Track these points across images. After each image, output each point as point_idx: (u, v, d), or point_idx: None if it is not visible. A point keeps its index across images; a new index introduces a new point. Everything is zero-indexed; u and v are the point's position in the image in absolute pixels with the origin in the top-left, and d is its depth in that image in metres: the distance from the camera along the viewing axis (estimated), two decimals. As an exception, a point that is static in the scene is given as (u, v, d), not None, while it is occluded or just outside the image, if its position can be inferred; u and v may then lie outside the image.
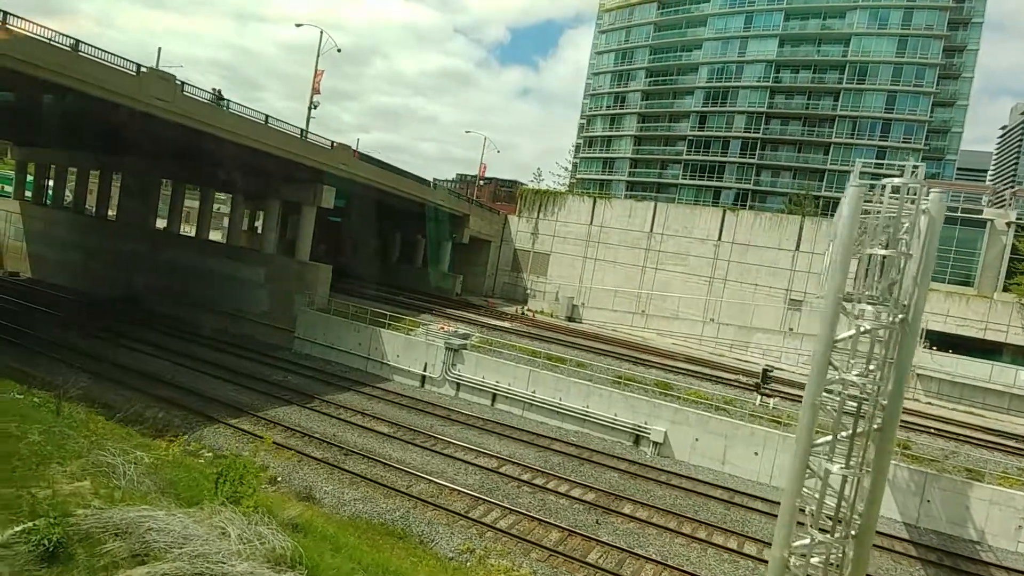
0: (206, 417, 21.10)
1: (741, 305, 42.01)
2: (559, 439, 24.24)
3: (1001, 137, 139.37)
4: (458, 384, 28.46)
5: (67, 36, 20.44)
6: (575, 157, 75.53)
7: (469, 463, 20.31)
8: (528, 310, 44.79)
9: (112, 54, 22.03)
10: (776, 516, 19.55)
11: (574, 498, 18.74)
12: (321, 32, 36.48)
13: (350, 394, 26.50)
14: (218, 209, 64.91)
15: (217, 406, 22.36)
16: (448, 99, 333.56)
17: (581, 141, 73.25)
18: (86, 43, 21.12)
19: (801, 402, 26.07)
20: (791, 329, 39.96)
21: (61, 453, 8.93)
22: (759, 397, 25.97)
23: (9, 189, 50.02)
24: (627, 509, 18.46)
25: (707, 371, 31.06)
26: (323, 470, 18.23)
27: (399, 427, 22.91)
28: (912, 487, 20.65)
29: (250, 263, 35.73)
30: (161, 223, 44.93)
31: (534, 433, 24.47)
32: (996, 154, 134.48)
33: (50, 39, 20.08)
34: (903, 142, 55.33)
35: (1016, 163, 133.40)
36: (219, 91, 27.86)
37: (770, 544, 17.30)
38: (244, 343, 32.92)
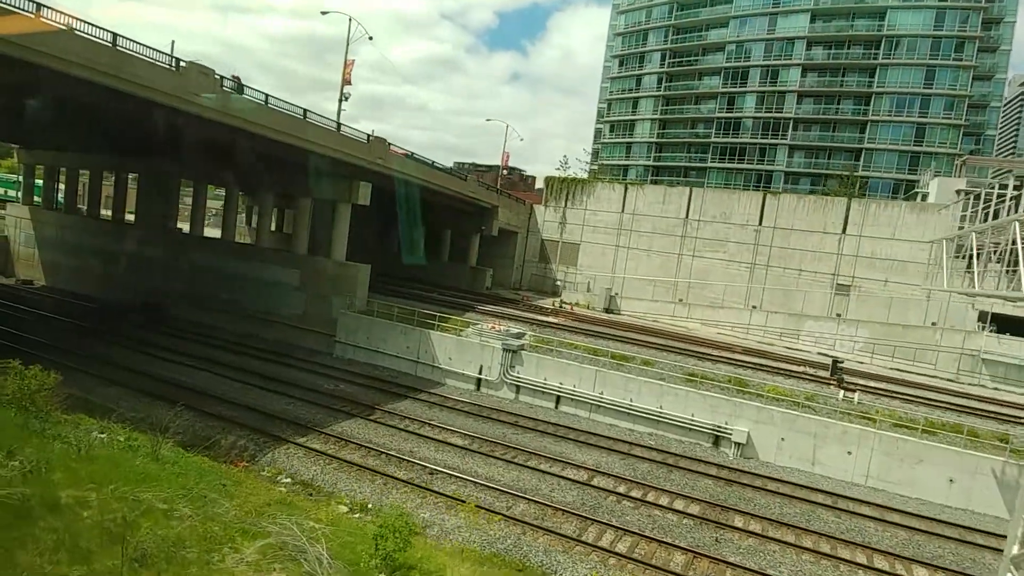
0: (272, 437, 19.70)
1: (785, 291, 40.83)
2: (636, 443, 23.06)
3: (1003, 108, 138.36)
4: (517, 386, 27.18)
5: (94, 25, 18.70)
6: (596, 143, 73.74)
7: (559, 476, 19.06)
8: (563, 302, 43.41)
9: (145, 46, 20.26)
10: (887, 522, 18.58)
11: (680, 511, 17.54)
12: (350, 20, 34.61)
13: (409, 402, 25.15)
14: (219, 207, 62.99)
15: (279, 423, 20.97)
16: (438, 86, 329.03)
17: (603, 126, 71.40)
18: (123, 36, 19.38)
19: (885, 396, 24.94)
20: (838, 315, 38.84)
21: (225, 530, 7.51)
22: (840, 392, 24.81)
23: (14, 194, 47.95)
24: (738, 522, 17.28)
25: (771, 363, 29.86)
26: (414, 493, 16.91)
27: (473, 438, 21.60)
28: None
29: (282, 265, 34.15)
30: (181, 225, 43.19)
31: (609, 437, 23.25)
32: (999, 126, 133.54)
33: (90, 33, 18.37)
34: (943, 118, 53.96)
35: (1016, 135, 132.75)
36: (238, 78, 25.97)
37: (902, 557, 16.28)
38: (281, 349, 31.46)
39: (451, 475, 18.21)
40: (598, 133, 73.58)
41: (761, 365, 29.39)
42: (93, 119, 28.77)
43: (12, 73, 17.80)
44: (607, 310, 42.69)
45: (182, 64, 21.26)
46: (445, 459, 19.52)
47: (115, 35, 19.07)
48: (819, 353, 35.33)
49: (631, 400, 24.96)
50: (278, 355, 30.27)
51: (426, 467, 18.60)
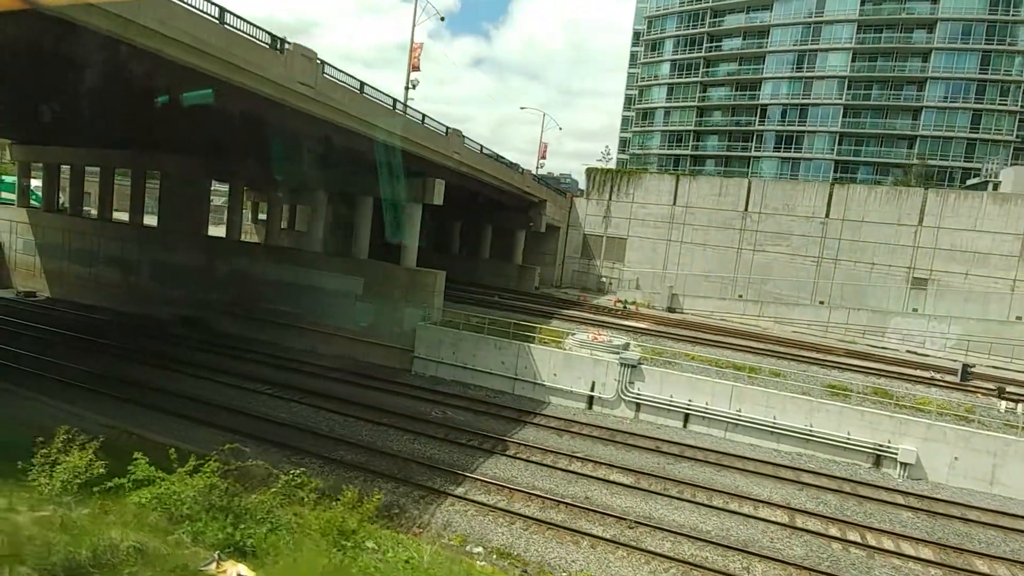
0: (420, 487, 16.77)
1: (856, 286, 39.39)
2: (795, 467, 20.98)
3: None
4: (637, 404, 24.73)
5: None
6: (625, 131, 71.14)
7: (762, 520, 16.75)
8: (625, 303, 41.07)
9: (242, 18, 16.68)
10: None
11: (915, 558, 15.46)
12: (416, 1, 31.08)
13: (532, 430, 22.46)
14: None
15: (416, 467, 18.03)
16: (402, 72, 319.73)
17: (634, 114, 68.65)
18: (229, 11, 15.90)
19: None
20: (915, 309, 37.57)
21: None
22: (1002, 403, 23.17)
23: (9, 196, 42.80)
24: (982, 565, 15.31)
25: (887, 368, 28.20)
26: (632, 557, 14.32)
27: (629, 471, 19.10)
28: None
29: (341, 272, 30.69)
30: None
31: (768, 463, 21.05)
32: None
33: (192, 5, 14.87)
34: (999, 104, 53.27)
35: None
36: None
37: None
38: (352, 367, 28.27)
39: (654, 528, 15.67)
40: (626, 121, 71.04)
41: (879, 370, 27.70)
42: (128, 110, 24.73)
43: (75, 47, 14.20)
44: (670, 309, 40.56)
45: (287, 46, 17.85)
46: (626, 504, 16.97)
47: (222, 9, 15.59)
48: (908, 351, 34.01)
49: (774, 417, 22.80)
50: (354, 375, 27.06)
51: (617, 517, 16.01)
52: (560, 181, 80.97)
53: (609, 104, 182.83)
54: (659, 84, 65.79)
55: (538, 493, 17.01)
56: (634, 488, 18.08)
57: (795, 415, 22.58)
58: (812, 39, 58.12)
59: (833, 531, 16.51)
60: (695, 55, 63.73)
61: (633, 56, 73.60)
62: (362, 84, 21.44)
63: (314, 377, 26.31)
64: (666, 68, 65.74)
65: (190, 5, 14.76)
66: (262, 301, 31.89)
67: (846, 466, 21.56)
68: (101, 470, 9.10)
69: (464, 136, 29.36)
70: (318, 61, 19.08)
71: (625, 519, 15.91)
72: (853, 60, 56.69)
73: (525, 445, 20.65)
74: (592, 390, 25.37)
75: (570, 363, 25.80)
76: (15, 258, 39.67)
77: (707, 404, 23.71)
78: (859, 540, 16.11)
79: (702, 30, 63.05)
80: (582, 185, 52.82)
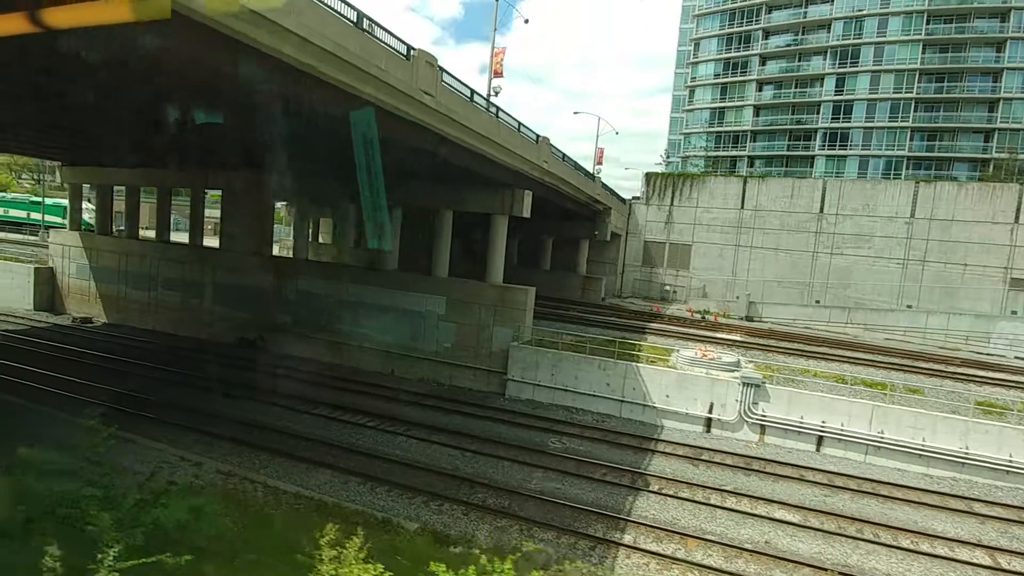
0: (581, 536, 15.07)
1: (946, 288, 37.40)
2: (959, 495, 19.14)
3: None
4: (762, 426, 22.94)
5: None
6: (673, 134, 69.32)
7: (953, 560, 14.98)
8: (691, 311, 39.31)
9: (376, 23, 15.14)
10: None
11: None
12: (496, 2, 29.62)
13: (660, 459, 20.73)
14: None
15: (565, 511, 16.32)
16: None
17: (683, 116, 66.87)
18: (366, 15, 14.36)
19: None
20: (1014, 312, 35.54)
21: None
22: None
23: (60, 220, 41.66)
24: None
25: (1017, 379, 26.25)
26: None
27: (785, 505, 17.36)
28: None
29: (421, 290, 29.13)
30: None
31: (923, 490, 19.24)
32: None
33: (330, 7, 13.32)
34: None
35: None
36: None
37: None
38: (439, 392, 26.79)
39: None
40: (675, 123, 69.19)
41: (1014, 382, 25.77)
42: (213, 127, 23.33)
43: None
44: (748, 318, 38.72)
45: (413, 52, 16.31)
46: (812, 549, 15.18)
47: (360, 13, 14.05)
48: (1015, 357, 32.03)
49: (923, 439, 20.95)
50: (447, 400, 25.55)
51: (814, 567, 14.23)
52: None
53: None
54: (711, 84, 63.88)
55: (712, 538, 15.26)
56: (807, 528, 16.29)
57: (947, 436, 20.74)
58: (879, 31, 55.82)
59: (1054, 577, 14.66)
60: (748, 52, 61.78)
61: (681, 56, 71.78)
62: (472, 91, 19.87)
63: (407, 405, 24.72)
64: (717, 67, 63.81)
65: (329, 7, 13.24)
66: (334, 322, 30.42)
67: (1013, 492, 19.68)
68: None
69: (550, 143, 27.77)
70: (438, 67, 17.53)
71: (823, 568, 14.11)
72: (923, 51, 54.48)
73: (664, 478, 18.93)
74: (710, 412, 23.61)
75: (684, 383, 24.05)
76: (68, 283, 38.43)
77: (843, 425, 21.90)
78: (1088, 587, 14.25)
79: (756, 26, 61.12)
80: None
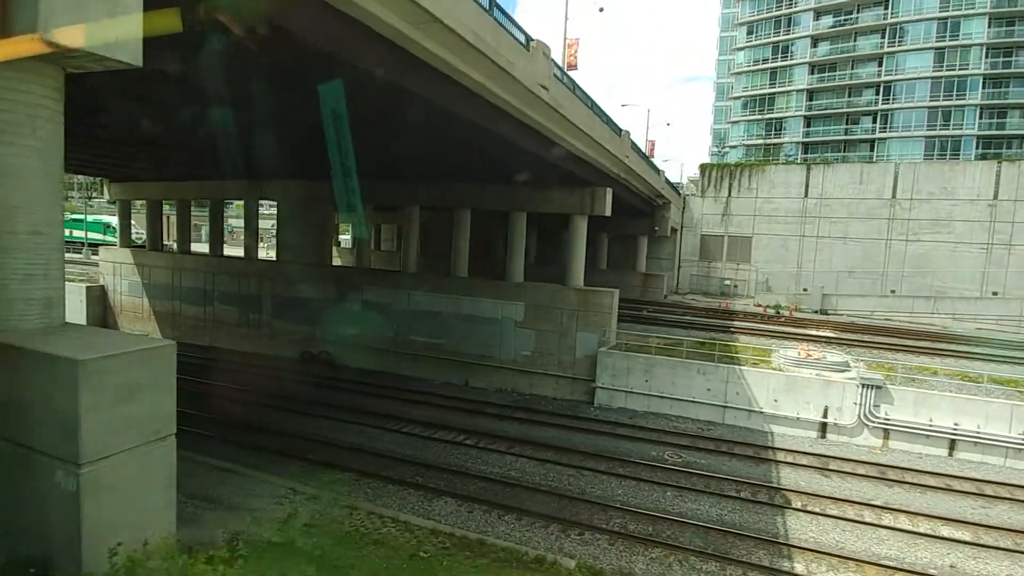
0: (749, 566, 13.69)
1: (1036, 273, 35.48)
2: None
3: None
4: (885, 430, 21.40)
5: None
6: (718, 123, 67.42)
7: None
8: (758, 305, 37.73)
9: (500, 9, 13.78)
10: None
11: None
12: None
13: (787, 470, 19.29)
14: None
15: (713, 536, 14.94)
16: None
17: (731, 103, 64.90)
18: (493, 1, 13.04)
19: None
20: (1111, 295, 33.58)
21: None
22: None
23: (101, 237, 40.90)
24: None
25: None
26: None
27: (946, 520, 15.87)
28: None
29: (496, 297, 27.88)
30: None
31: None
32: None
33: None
34: None
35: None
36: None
37: None
38: (521, 402, 25.58)
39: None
40: (721, 112, 67.25)
41: None
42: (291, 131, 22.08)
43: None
44: (822, 311, 37.04)
45: (532, 42, 14.99)
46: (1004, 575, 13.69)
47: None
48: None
49: (1074, 441, 19.33)
50: (534, 411, 24.35)
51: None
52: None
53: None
54: (759, 70, 61.70)
55: (891, 564, 13.80)
56: (983, 546, 14.79)
57: (1101, 436, 19.09)
58: (941, 5, 53.15)
59: None
60: (798, 34, 59.35)
61: (723, 42, 69.62)
62: (574, 82, 18.51)
63: (496, 418, 23.53)
64: (765, 51, 61.59)
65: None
66: (403, 333, 29.28)
67: None
68: None
69: (630, 136, 26.37)
70: (551, 58, 16.19)
71: (1037, 598, 12.63)
72: (989, 26, 52.00)
73: (802, 492, 17.50)
74: (825, 416, 22.11)
75: (793, 386, 22.56)
76: (120, 300, 37.67)
77: (979, 427, 20.31)
78: None
79: (806, 7, 58.74)
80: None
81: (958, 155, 51.63)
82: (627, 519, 15.67)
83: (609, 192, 26.38)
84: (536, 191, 26.84)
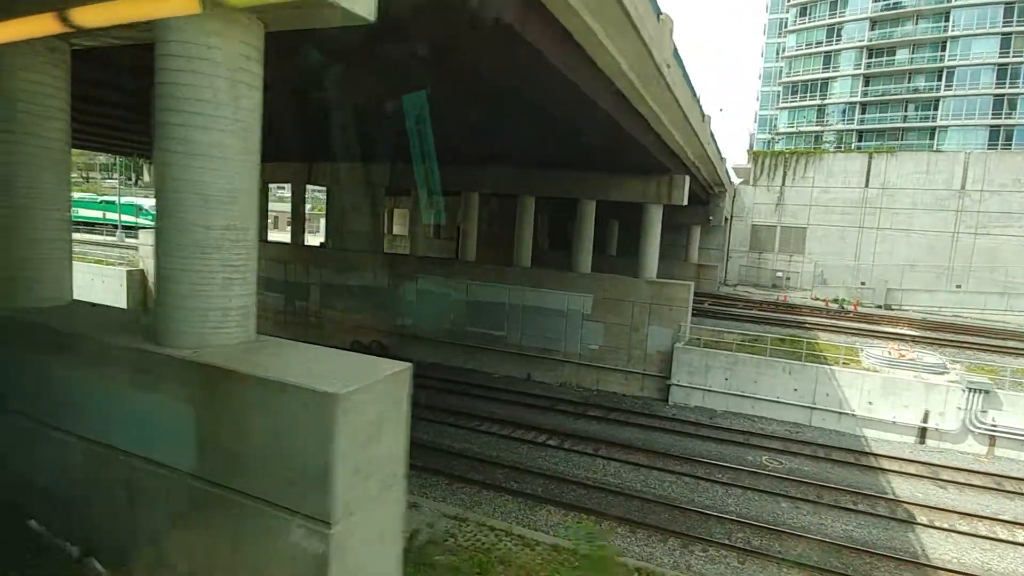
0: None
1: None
2: None
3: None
4: (991, 437, 20.17)
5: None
6: (765, 109, 65.34)
7: None
8: (817, 298, 36.41)
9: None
10: None
11: None
12: None
13: (899, 480, 18.12)
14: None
15: (864, 559, 13.83)
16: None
17: (780, 88, 62.67)
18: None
19: None
20: None
21: None
22: None
23: (135, 219, 39.94)
24: None
25: None
26: None
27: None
28: None
29: (562, 288, 26.71)
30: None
31: None
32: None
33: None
34: None
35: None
36: None
37: None
38: (592, 399, 24.55)
39: None
40: (768, 97, 65.11)
41: None
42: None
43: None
44: (885, 306, 35.65)
45: (661, 15, 13.63)
46: None
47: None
48: None
49: None
50: (608, 410, 23.33)
51: None
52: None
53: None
54: (815, 53, 59.28)
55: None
56: None
57: None
58: None
59: None
60: (855, 17, 56.89)
61: (769, 26, 67.13)
62: (682, 62, 17.12)
63: (570, 416, 22.51)
64: (819, 34, 59.31)
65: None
66: (461, 324, 28.20)
67: None
68: None
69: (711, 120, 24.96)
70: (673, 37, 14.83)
71: None
72: None
73: (923, 506, 16.35)
74: (925, 421, 20.89)
75: (890, 388, 21.33)
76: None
77: (1099, 436, 19.05)
78: None
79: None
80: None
81: (995, 144, 49.79)
82: (748, 533, 14.60)
83: (686, 180, 25.03)
84: (609, 178, 25.54)
